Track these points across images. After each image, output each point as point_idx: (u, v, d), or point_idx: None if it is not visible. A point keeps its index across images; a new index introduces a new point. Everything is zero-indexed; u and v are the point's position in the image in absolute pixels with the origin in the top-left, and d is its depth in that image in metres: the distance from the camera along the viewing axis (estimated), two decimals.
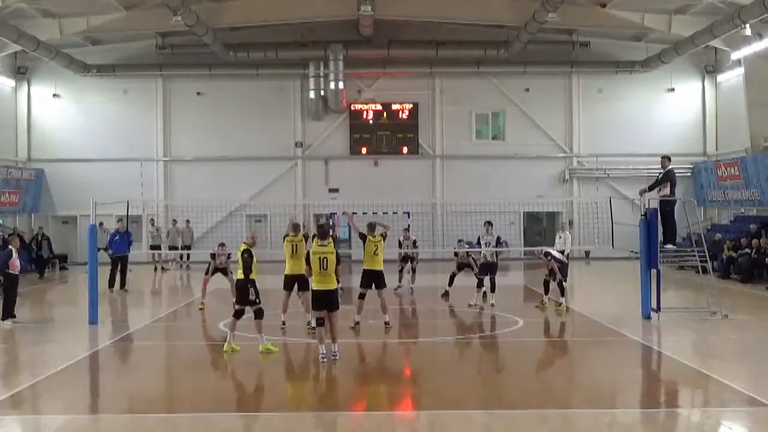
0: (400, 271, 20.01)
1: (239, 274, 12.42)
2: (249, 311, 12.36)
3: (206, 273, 17.29)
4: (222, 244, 17.60)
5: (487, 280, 17.23)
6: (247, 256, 12.29)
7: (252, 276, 12.31)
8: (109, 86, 31.48)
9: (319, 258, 11.42)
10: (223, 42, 29.25)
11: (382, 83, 31.98)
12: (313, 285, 11.59)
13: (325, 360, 11.27)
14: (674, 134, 31.28)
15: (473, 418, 8.47)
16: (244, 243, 12.64)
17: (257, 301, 12.29)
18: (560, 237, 20.80)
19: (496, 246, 17.12)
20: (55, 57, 27.89)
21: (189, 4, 24.38)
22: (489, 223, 17.23)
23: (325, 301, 11.48)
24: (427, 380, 10.62)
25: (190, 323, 16.39)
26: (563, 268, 16.82)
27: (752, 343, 13.22)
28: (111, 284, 20.75)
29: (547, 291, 16.99)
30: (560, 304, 16.65)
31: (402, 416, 9.00)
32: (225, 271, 17.30)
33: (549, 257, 16.76)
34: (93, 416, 9.12)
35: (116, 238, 20.86)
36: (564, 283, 16.65)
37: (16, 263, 15.48)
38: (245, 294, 12.30)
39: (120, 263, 21.10)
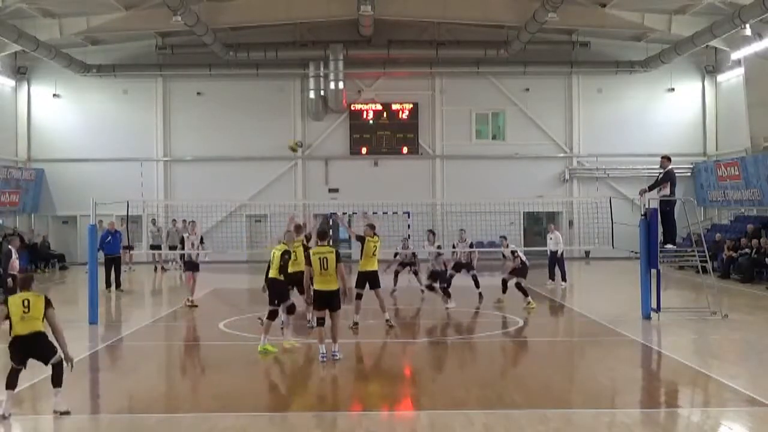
0: (397, 275, 19.74)
1: (274, 273, 12.35)
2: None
3: (187, 268, 17.36)
4: (192, 222, 17.62)
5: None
6: (288, 257, 12.27)
7: (272, 275, 12.32)
8: (109, 86, 31.48)
9: (320, 258, 11.42)
10: (223, 42, 29.24)
11: (382, 83, 31.97)
12: (315, 285, 11.59)
13: (325, 359, 11.28)
14: (674, 134, 31.27)
15: (473, 418, 8.47)
16: (283, 243, 12.64)
17: (278, 302, 12.30)
18: (551, 238, 21.04)
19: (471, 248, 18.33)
20: (55, 57, 27.87)
21: (189, 4, 24.37)
22: (462, 230, 18.55)
23: (326, 301, 11.49)
24: (427, 380, 10.62)
25: (190, 323, 16.38)
26: (524, 269, 17.11)
27: (752, 343, 13.23)
28: (108, 284, 20.72)
29: (526, 294, 16.99)
30: (529, 303, 16.81)
31: (402, 416, 9.00)
32: (197, 267, 17.19)
33: (516, 255, 17.08)
34: (93, 416, 9.12)
35: (108, 239, 20.77)
36: (523, 284, 16.98)
37: (15, 264, 15.47)
38: (283, 295, 12.32)
39: (113, 264, 21.08)
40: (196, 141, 31.75)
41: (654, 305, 15.23)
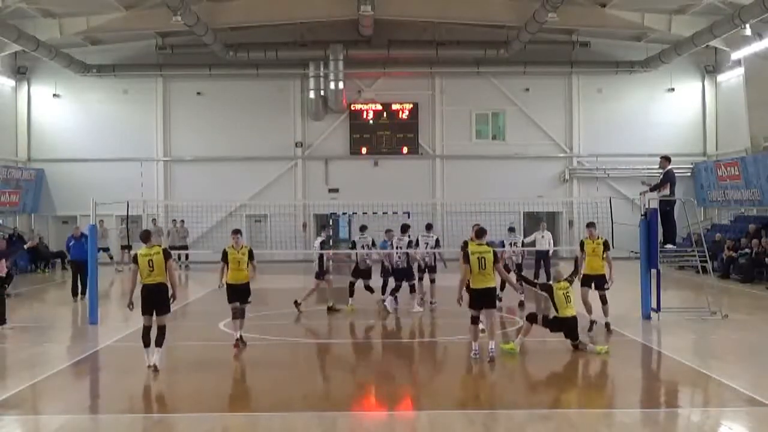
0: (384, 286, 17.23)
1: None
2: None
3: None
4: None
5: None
6: None
7: None
8: (109, 86, 31.48)
9: (478, 258, 11.24)
10: (223, 42, 29.24)
11: (382, 83, 31.96)
12: (472, 284, 11.29)
13: (477, 356, 11.32)
14: (674, 134, 31.27)
15: (473, 418, 8.47)
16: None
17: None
18: (542, 237, 20.73)
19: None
20: (55, 57, 27.88)
21: (189, 4, 24.37)
22: (390, 231, 17.35)
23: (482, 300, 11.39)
24: (427, 380, 10.62)
25: (189, 323, 16.38)
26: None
27: (752, 343, 13.23)
28: (74, 293, 18.98)
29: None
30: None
31: (402, 416, 9.00)
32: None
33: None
34: (93, 416, 9.12)
35: (71, 243, 19.48)
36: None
37: (2, 265, 15.22)
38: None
39: (78, 270, 18.86)
40: (196, 141, 31.75)
41: (654, 305, 15.24)
